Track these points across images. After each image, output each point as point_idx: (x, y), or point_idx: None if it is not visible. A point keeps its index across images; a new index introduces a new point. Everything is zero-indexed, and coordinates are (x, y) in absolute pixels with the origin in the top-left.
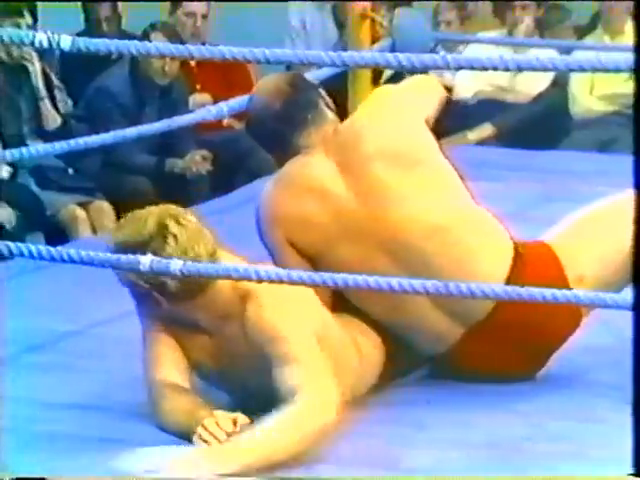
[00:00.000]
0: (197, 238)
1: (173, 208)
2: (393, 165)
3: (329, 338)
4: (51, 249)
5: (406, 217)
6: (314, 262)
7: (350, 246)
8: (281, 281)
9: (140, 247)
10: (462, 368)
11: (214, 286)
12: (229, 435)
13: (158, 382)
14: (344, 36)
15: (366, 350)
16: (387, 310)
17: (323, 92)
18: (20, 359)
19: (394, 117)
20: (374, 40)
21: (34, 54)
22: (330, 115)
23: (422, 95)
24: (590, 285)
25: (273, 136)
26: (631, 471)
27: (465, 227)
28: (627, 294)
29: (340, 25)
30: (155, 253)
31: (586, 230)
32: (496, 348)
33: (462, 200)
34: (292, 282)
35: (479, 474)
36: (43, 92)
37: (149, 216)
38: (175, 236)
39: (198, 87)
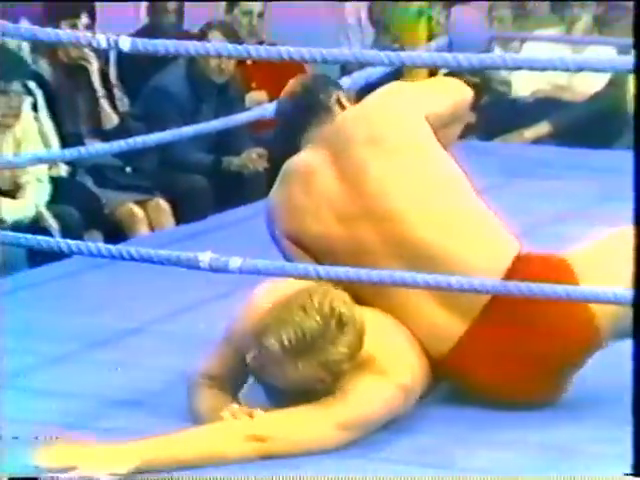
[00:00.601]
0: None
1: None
2: (379, 148)
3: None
4: (110, 247)
5: (386, 200)
6: (316, 256)
7: (343, 230)
8: (338, 279)
9: (317, 338)
10: (472, 377)
11: None
12: None
13: (197, 373)
14: (380, 34)
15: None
16: (389, 308)
17: (340, 93)
18: (81, 356)
19: (386, 107)
20: (430, 38)
21: (92, 53)
22: (337, 114)
23: (430, 92)
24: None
25: (283, 140)
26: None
27: (450, 217)
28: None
29: (375, 23)
30: (333, 342)
31: (613, 250)
32: (501, 353)
33: (452, 192)
34: (349, 280)
35: (534, 475)
36: (101, 91)
37: (316, 311)
38: (352, 319)
39: (254, 85)
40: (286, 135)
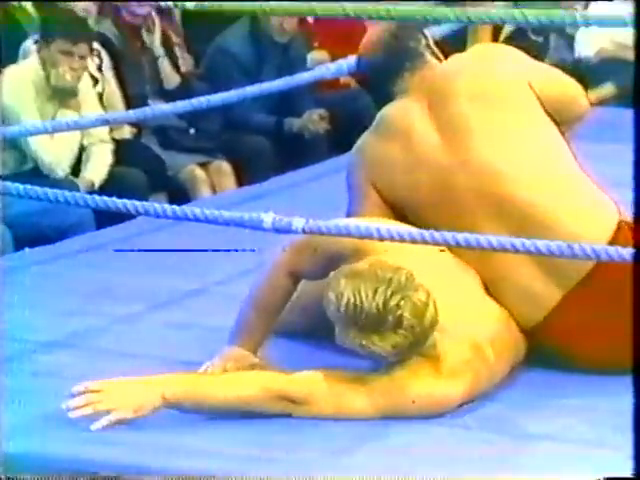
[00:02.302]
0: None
1: (408, 281)
2: (482, 104)
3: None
4: (175, 207)
5: (488, 155)
6: (397, 208)
7: (434, 187)
8: (401, 239)
9: (367, 323)
10: (564, 346)
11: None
12: None
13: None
14: None
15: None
16: (486, 272)
17: (429, 39)
18: (145, 317)
19: (492, 62)
20: None
21: (154, 14)
22: (430, 60)
23: (539, 66)
24: None
25: (376, 86)
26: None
27: (553, 180)
28: None
29: None
30: (381, 335)
31: None
32: (598, 321)
33: (554, 156)
34: (412, 240)
35: (604, 442)
36: (160, 51)
37: (383, 299)
38: (411, 326)
39: (316, 44)
40: (379, 83)
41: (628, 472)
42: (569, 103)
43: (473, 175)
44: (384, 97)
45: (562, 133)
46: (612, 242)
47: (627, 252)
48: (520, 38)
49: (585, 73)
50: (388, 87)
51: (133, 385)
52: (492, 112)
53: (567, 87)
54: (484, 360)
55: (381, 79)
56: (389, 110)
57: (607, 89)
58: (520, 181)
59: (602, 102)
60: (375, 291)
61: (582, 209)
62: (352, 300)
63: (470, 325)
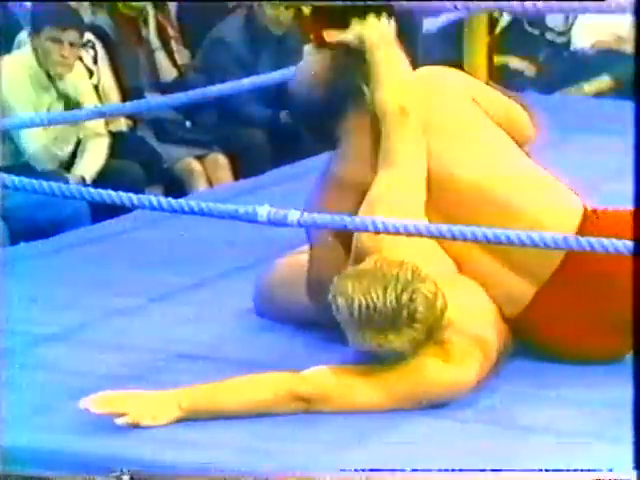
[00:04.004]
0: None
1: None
2: (433, 135)
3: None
4: (171, 200)
5: (444, 180)
6: None
7: None
8: (397, 232)
9: (382, 322)
10: (543, 337)
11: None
12: None
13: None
14: None
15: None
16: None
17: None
18: (142, 310)
19: (433, 86)
20: None
21: (150, 6)
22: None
23: (470, 79)
24: None
25: (316, 127)
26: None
27: (509, 185)
28: None
29: None
30: (397, 331)
31: None
32: (573, 312)
33: (506, 159)
34: (408, 233)
35: (597, 434)
36: (157, 43)
37: (395, 295)
38: (426, 317)
39: (312, 37)
40: (319, 123)
41: (627, 464)
42: (514, 123)
43: (440, 203)
44: (323, 137)
45: None
46: (579, 232)
47: (626, 244)
48: (516, 30)
49: (581, 64)
50: (329, 128)
51: (150, 396)
52: (446, 138)
53: (510, 108)
54: (487, 345)
55: (322, 119)
56: (338, 167)
57: (603, 81)
58: (486, 186)
59: (599, 94)
60: (385, 289)
61: (547, 203)
62: (364, 302)
63: (472, 315)
